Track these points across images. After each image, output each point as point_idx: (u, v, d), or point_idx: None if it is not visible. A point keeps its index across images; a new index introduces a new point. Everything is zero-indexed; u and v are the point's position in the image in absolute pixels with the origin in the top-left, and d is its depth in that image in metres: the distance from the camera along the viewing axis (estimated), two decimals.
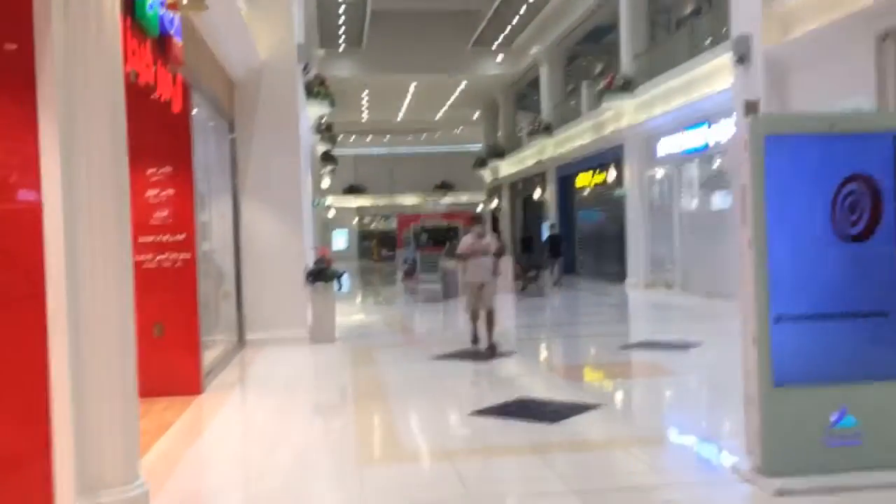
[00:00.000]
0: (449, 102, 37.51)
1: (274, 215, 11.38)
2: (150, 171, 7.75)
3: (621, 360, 9.14)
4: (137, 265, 7.78)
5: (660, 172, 19.60)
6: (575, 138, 25.34)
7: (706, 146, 16.45)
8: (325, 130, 25.67)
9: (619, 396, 7.27)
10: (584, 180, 25.29)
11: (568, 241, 26.89)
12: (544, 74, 28.49)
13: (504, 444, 5.57)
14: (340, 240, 50.09)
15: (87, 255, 4.21)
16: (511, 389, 7.46)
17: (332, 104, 19.43)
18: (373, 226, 53.73)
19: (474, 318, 10.06)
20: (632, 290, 19.58)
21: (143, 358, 7.89)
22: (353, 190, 51.07)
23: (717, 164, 16.67)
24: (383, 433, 6.01)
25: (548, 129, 27.78)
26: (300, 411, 6.97)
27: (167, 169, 7.79)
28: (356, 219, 52.63)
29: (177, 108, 7.19)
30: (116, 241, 4.30)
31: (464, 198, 50.72)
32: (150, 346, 7.65)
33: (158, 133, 7.80)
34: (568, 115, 27.20)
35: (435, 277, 24.88)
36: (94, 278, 4.23)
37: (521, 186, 33.52)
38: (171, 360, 7.74)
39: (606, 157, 21.87)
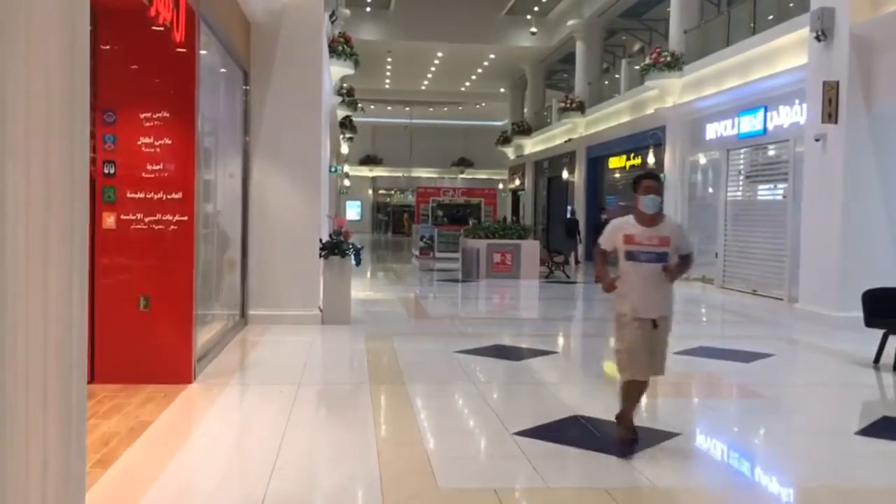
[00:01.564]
0: (475, 75, 36.03)
1: (288, 179, 10.12)
2: (143, 114, 6.49)
3: (682, 370, 7.85)
4: (124, 226, 6.57)
5: (703, 158, 18.21)
6: (610, 117, 23.94)
7: (763, 131, 15.05)
8: (347, 94, 24.35)
9: (698, 423, 5.92)
10: (617, 163, 23.88)
11: (596, 226, 25.66)
12: (580, 49, 26.98)
13: (572, 486, 4.33)
14: (353, 211, 48.90)
15: (20, 205, 2.95)
16: (557, 402, 6.22)
17: (356, 65, 18.18)
18: (388, 199, 52.48)
19: (632, 394, 5.07)
20: None
21: (124, 336, 6.70)
22: (369, 160, 49.81)
23: (772, 151, 15.28)
24: (411, 457, 4.77)
25: (580, 107, 26.35)
26: (309, 417, 5.74)
27: (164, 114, 6.52)
28: (370, 190, 51.38)
29: (178, 36, 5.92)
30: (68, 188, 3.04)
31: (482, 175, 49.42)
32: (134, 323, 6.51)
33: (156, 69, 6.55)
34: (603, 93, 25.77)
35: (453, 255, 23.73)
36: (27, 238, 2.98)
37: (546, 166, 32.11)
38: (158, 340, 6.53)
39: (644, 139, 20.46)
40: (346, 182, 39.04)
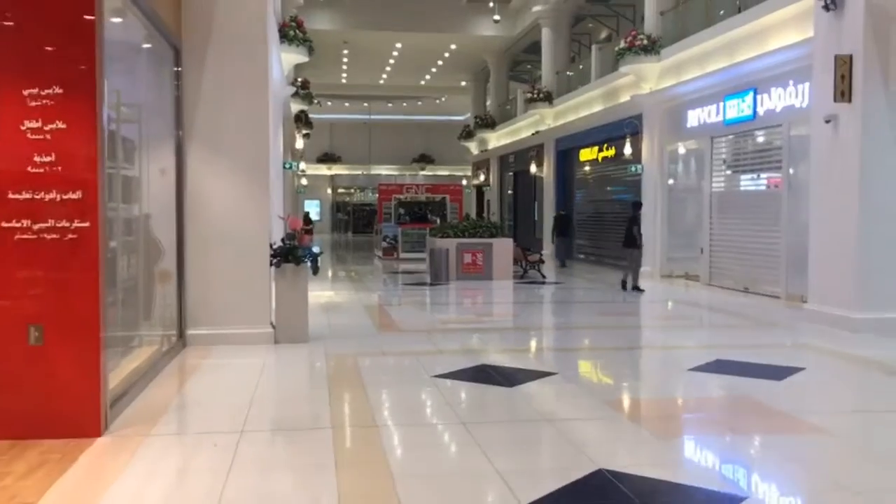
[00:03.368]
0: (436, 67, 34.64)
1: (231, 174, 8.65)
2: (28, 90, 4.99)
3: (708, 393, 6.58)
4: (5, 236, 5.00)
5: (685, 147, 17.08)
6: (581, 107, 22.76)
7: (753, 116, 13.93)
8: (301, 87, 22.77)
9: (766, 477, 4.38)
10: (588, 155, 22.70)
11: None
12: (546, 37, 25.76)
13: None
14: (312, 211, 47.24)
15: None
16: (573, 449, 4.88)
17: (311, 52, 16.73)
18: (348, 198, 50.90)
19: None
20: (645, 280, 17.09)
21: (9, 378, 5.18)
22: (327, 158, 48.20)
23: (763, 137, 14.17)
24: None
25: (548, 98, 25.14)
26: (252, 486, 4.32)
27: (56, 90, 5.02)
28: (329, 189, 49.74)
29: None
30: None
31: (444, 172, 48.15)
32: (22, 361, 5.04)
33: (45, 32, 5.05)
34: (571, 83, 24.59)
35: (418, 256, 22.34)
36: None
37: (512, 160, 30.87)
38: (55, 382, 5.05)
39: (619, 128, 19.29)
40: (304, 181, 37.40)
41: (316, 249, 9.37)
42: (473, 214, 34.31)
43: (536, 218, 27.34)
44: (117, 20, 6.73)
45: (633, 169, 18.50)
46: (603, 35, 27.26)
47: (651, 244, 17.73)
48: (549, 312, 12.80)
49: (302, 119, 26.14)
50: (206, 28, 8.55)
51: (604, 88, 20.89)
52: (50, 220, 5.03)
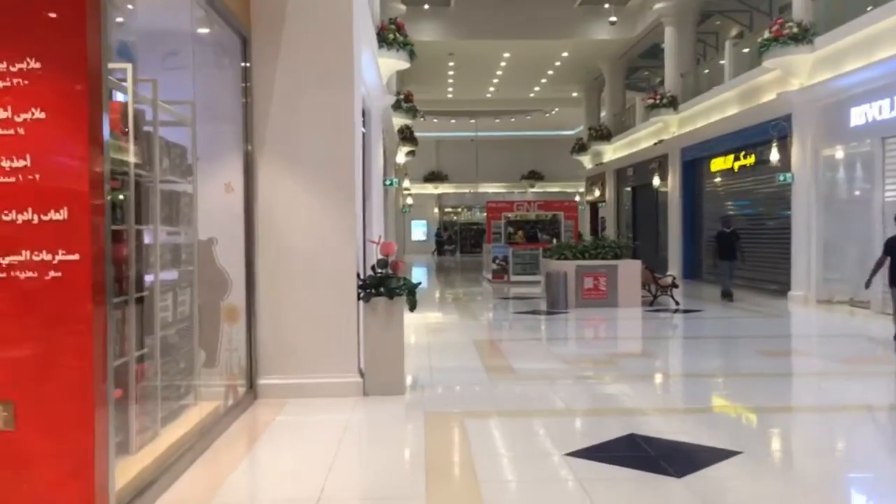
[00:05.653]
0: (546, 77, 32.76)
1: (311, 190, 7.10)
2: None
3: None
4: None
5: (847, 150, 14.53)
6: (712, 111, 20.35)
7: None
8: (405, 100, 21.43)
9: None
10: (721, 164, 20.24)
11: (693, 240, 22.12)
12: (670, 36, 23.46)
13: None
14: (419, 231, 46.17)
15: None
16: None
17: (412, 56, 15.24)
18: (455, 217, 49.53)
19: None
20: (798, 306, 14.66)
21: None
22: (434, 177, 47.03)
23: None
24: None
25: (672, 103, 22.83)
26: None
27: (32, 64, 3.53)
28: (436, 208, 48.51)
29: None
30: None
31: (554, 188, 46.03)
32: None
33: None
34: (699, 85, 22.20)
35: (530, 279, 20.50)
36: None
37: (630, 174, 28.55)
38: (29, 482, 3.53)
39: (760, 132, 16.88)
40: (409, 200, 36.25)
41: (419, 278, 7.70)
42: (587, 233, 32.13)
43: (661, 235, 24.96)
44: None
45: (781, 178, 16.00)
46: (733, 32, 24.71)
47: (804, 264, 15.26)
48: (698, 351, 10.60)
49: (406, 133, 24.84)
50: (279, 15, 7.07)
51: (741, 88, 18.46)
52: (23, 252, 3.52)
